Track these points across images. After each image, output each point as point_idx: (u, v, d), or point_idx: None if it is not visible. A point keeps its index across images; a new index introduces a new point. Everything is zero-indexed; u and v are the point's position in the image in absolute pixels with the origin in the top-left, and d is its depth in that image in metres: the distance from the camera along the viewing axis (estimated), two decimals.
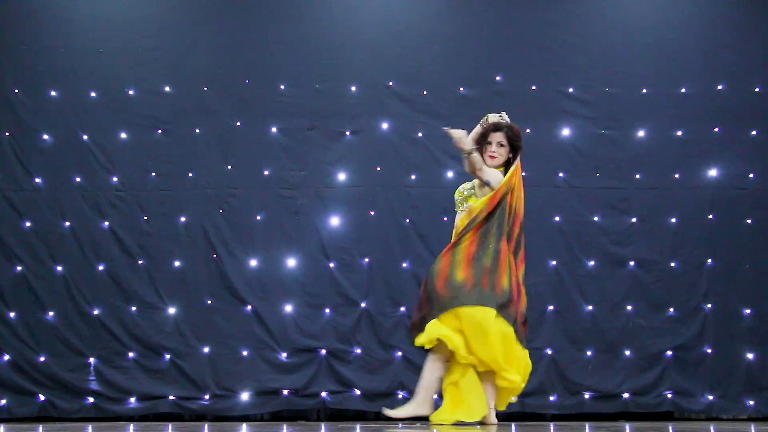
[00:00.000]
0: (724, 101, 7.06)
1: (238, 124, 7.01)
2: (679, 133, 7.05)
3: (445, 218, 6.88)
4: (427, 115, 7.00)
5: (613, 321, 6.86)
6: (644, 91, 7.06)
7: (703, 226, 6.97)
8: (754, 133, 7.04)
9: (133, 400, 6.73)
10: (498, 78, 7.06)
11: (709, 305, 6.90)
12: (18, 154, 6.94)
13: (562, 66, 7.06)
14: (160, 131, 7.00)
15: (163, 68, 7.03)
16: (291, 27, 7.08)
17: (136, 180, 6.94)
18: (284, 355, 6.80)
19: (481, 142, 5.35)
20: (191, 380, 6.74)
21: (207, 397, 6.73)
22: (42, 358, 6.76)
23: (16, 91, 6.98)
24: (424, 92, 7.04)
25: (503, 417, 6.33)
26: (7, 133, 6.95)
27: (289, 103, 7.02)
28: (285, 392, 6.73)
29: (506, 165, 5.40)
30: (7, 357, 6.75)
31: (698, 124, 7.04)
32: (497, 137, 5.34)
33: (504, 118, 5.42)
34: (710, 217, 6.98)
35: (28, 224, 6.89)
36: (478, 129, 5.40)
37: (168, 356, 6.79)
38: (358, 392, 6.75)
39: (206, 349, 6.79)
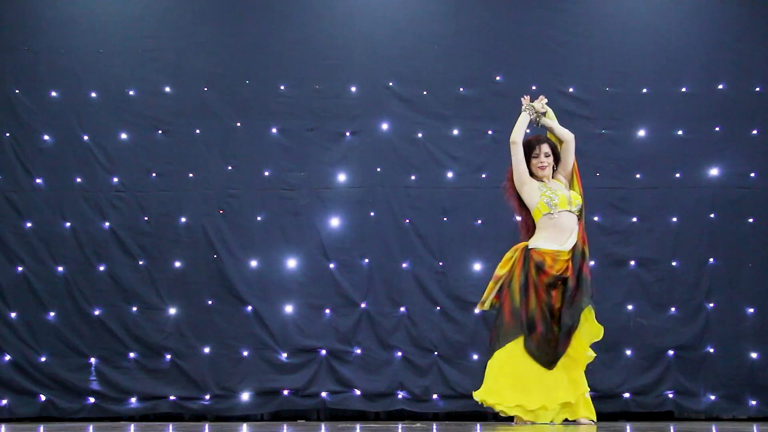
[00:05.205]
0: (725, 100, 7.04)
1: (238, 124, 7.02)
2: (680, 132, 7.03)
3: (445, 218, 6.89)
4: (427, 115, 7.00)
5: (614, 320, 6.80)
6: (644, 90, 7.05)
7: (704, 226, 6.95)
8: (755, 132, 7.02)
9: (133, 400, 6.74)
10: (498, 78, 7.05)
11: (711, 304, 6.88)
12: (18, 154, 6.95)
13: (562, 66, 7.05)
14: (160, 132, 7.01)
15: (163, 68, 7.04)
16: (291, 27, 7.09)
17: (137, 180, 6.96)
18: (284, 355, 6.81)
19: (528, 154, 5.62)
20: (192, 380, 6.75)
21: (207, 397, 6.74)
22: (43, 359, 6.77)
23: (17, 91, 7.00)
24: (424, 92, 7.03)
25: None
26: (7, 134, 6.97)
27: (289, 104, 7.03)
28: (285, 392, 6.74)
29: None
30: (8, 357, 6.77)
31: (699, 123, 7.02)
32: (544, 148, 5.63)
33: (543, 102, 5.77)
34: (712, 216, 6.96)
35: (28, 225, 6.90)
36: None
37: (168, 356, 6.80)
38: (358, 392, 6.75)
39: (207, 350, 6.81)
